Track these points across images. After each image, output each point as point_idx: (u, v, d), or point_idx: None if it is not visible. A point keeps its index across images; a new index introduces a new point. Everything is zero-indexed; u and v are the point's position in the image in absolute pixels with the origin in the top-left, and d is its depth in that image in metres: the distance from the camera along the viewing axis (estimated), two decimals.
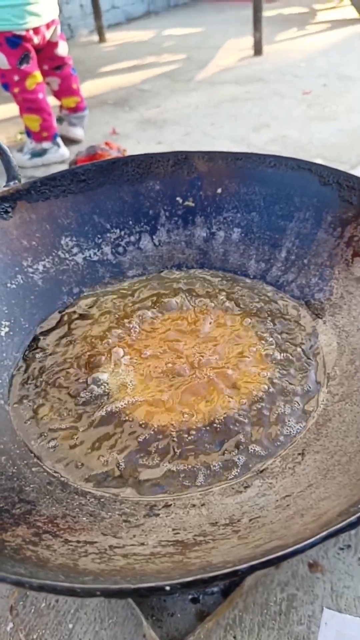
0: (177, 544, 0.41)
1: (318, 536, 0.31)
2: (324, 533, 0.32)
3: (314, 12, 3.85)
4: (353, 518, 0.32)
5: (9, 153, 0.76)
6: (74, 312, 0.76)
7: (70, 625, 0.62)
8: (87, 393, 0.64)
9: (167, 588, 0.30)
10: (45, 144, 1.81)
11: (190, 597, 0.63)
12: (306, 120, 2.01)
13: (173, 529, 0.45)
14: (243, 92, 2.37)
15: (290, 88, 2.37)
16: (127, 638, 0.60)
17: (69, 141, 1.97)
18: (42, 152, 1.81)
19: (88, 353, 0.69)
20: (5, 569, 0.32)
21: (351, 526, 0.32)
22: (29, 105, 1.69)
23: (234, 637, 0.60)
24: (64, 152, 1.85)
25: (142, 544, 0.42)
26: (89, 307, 0.77)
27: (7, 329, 0.69)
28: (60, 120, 1.97)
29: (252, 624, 0.61)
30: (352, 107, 2.09)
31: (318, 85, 2.37)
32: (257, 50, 2.88)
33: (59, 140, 1.83)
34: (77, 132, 1.99)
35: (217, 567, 0.32)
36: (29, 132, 1.79)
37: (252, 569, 0.31)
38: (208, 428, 0.59)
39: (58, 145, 1.83)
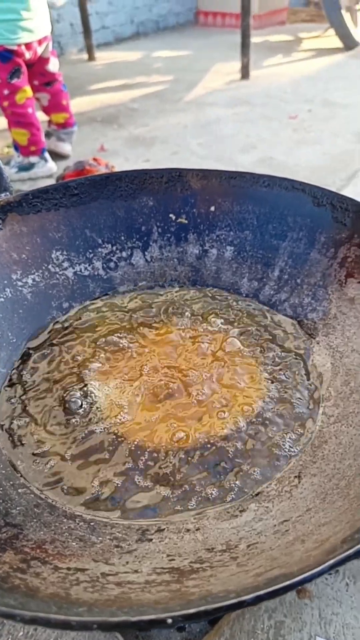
0: (173, 571, 0.40)
1: (325, 565, 0.30)
2: (331, 561, 0.30)
3: (300, 40, 3.96)
4: None
5: (1, 165, 0.75)
6: (64, 327, 0.74)
7: None
8: (76, 412, 0.62)
9: (169, 621, 0.28)
10: (33, 158, 1.80)
11: (176, 625, 0.61)
12: (292, 144, 2.05)
13: (167, 555, 0.43)
14: (231, 114, 2.41)
15: (276, 112, 2.41)
16: None
17: (57, 156, 1.97)
18: (29, 166, 1.80)
19: (77, 370, 0.68)
20: None
21: (358, 554, 0.31)
22: (18, 119, 1.68)
23: None
24: (52, 167, 1.84)
25: (136, 571, 0.40)
26: (79, 323, 0.75)
27: None
28: (48, 135, 1.97)
29: None
30: (337, 132, 2.14)
31: (304, 110, 2.42)
32: (245, 74, 2.94)
33: (46, 155, 1.83)
34: (65, 148, 2.00)
35: (220, 598, 0.30)
36: (16, 146, 1.79)
37: (259, 599, 0.29)
38: (201, 450, 0.58)
39: (46, 160, 1.83)
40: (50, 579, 0.36)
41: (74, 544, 0.44)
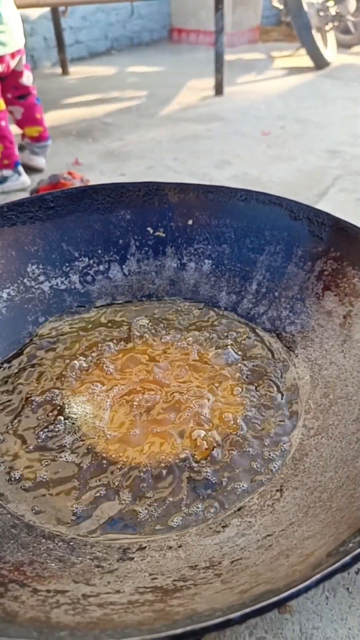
0: (156, 590, 0.39)
1: (312, 579, 0.30)
2: (318, 576, 0.30)
3: (272, 58, 4.04)
4: (347, 558, 0.31)
5: None
6: (40, 342, 0.73)
7: None
8: (53, 428, 0.61)
9: None
10: (6, 172, 1.78)
11: None
12: (266, 160, 2.08)
13: (150, 574, 0.42)
14: (205, 130, 2.43)
15: (250, 128, 2.45)
16: None
17: (31, 170, 1.96)
18: (2, 180, 1.78)
19: (52, 386, 0.66)
20: None
21: (345, 567, 0.31)
22: None
23: None
24: (25, 180, 1.83)
25: (118, 591, 0.39)
26: (55, 338, 0.74)
27: None
28: (22, 148, 1.95)
29: None
30: (309, 148, 2.18)
31: (277, 126, 2.46)
32: (218, 90, 2.97)
33: (20, 168, 1.81)
34: (39, 161, 1.98)
35: (206, 616, 0.30)
36: None
37: (246, 617, 0.29)
38: (181, 466, 0.57)
39: (19, 174, 1.81)
40: (29, 602, 0.35)
41: (53, 565, 0.43)
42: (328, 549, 0.36)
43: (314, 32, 3.36)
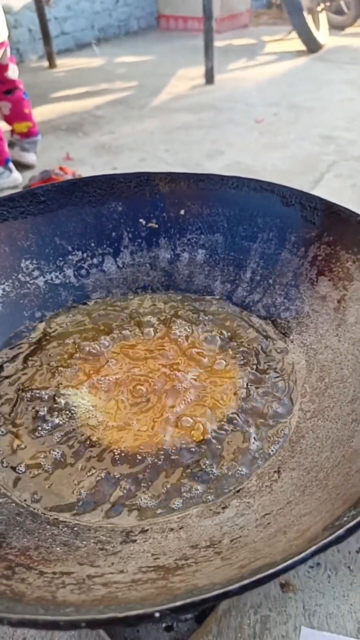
0: (159, 569, 0.40)
1: (307, 551, 0.31)
2: (313, 548, 0.31)
3: (263, 43, 4.00)
4: (341, 531, 0.32)
5: None
6: (37, 336, 0.74)
7: None
8: (52, 420, 0.62)
9: (157, 615, 0.29)
10: None
11: (164, 625, 0.62)
12: (259, 148, 2.07)
13: (152, 554, 0.44)
14: (196, 120, 2.42)
15: (242, 116, 2.44)
16: None
17: (21, 166, 1.95)
18: None
19: (52, 378, 0.67)
20: None
21: (339, 539, 0.32)
22: None
23: None
24: (17, 177, 1.82)
25: (122, 571, 0.40)
26: (53, 331, 0.75)
27: None
28: (11, 145, 1.94)
29: None
30: (302, 135, 2.17)
31: (269, 113, 2.45)
32: (209, 78, 2.95)
33: (11, 165, 1.81)
34: (30, 158, 1.98)
35: (206, 590, 0.31)
36: None
37: (244, 589, 0.30)
38: (180, 451, 0.58)
39: (10, 171, 1.80)
40: (35, 583, 0.36)
41: (58, 549, 0.44)
42: (324, 524, 0.38)
43: (305, 13, 3.30)
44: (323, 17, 3.68)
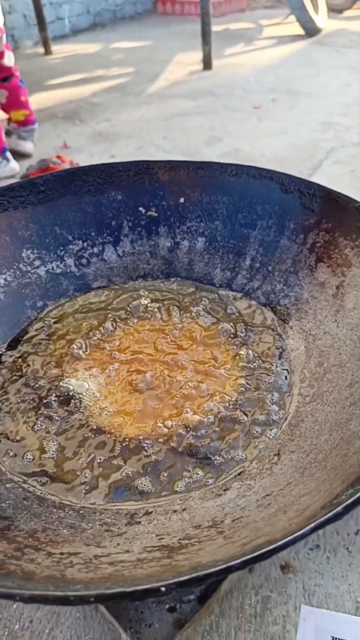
0: (163, 549, 0.42)
1: (307, 528, 0.32)
2: (312, 524, 0.33)
3: (261, 28, 3.96)
4: (339, 508, 0.33)
5: None
6: (39, 326, 0.75)
7: None
8: (56, 406, 0.63)
9: (163, 589, 0.30)
10: None
11: (167, 606, 0.64)
12: (257, 134, 2.07)
13: (157, 535, 0.45)
14: (194, 106, 2.41)
15: (240, 102, 2.42)
16: None
17: (19, 155, 1.94)
18: None
19: (55, 366, 0.69)
20: None
21: (337, 516, 0.34)
22: None
23: None
24: (14, 167, 1.81)
25: (128, 551, 0.42)
26: (55, 320, 0.76)
27: None
28: (8, 133, 1.93)
29: (229, 628, 0.62)
30: (301, 121, 2.16)
31: (268, 99, 2.44)
32: (207, 64, 2.93)
33: (8, 154, 1.80)
34: (27, 146, 1.97)
35: (209, 565, 0.32)
36: None
37: (245, 564, 0.31)
38: (183, 436, 0.59)
39: (7, 160, 1.79)
40: (44, 563, 0.38)
41: (65, 531, 0.46)
42: (323, 503, 0.39)
43: None
44: (322, 0, 3.63)
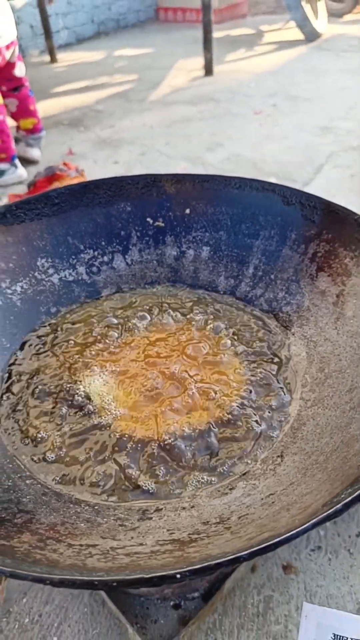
0: (174, 542, 0.45)
1: (309, 523, 0.35)
2: (314, 520, 0.36)
3: (261, 33, 3.99)
4: (339, 506, 0.37)
5: None
6: (54, 331, 0.78)
7: (55, 639, 0.64)
8: (70, 407, 0.66)
9: (178, 576, 0.33)
10: (3, 165, 1.81)
11: (172, 603, 0.66)
12: (258, 139, 2.10)
13: (168, 530, 0.48)
14: (196, 112, 2.44)
15: (241, 108, 2.46)
16: None
17: (26, 162, 1.98)
18: None
19: (70, 369, 0.72)
20: (23, 569, 0.35)
21: (337, 513, 0.37)
22: None
23: None
24: (22, 173, 1.86)
25: (141, 544, 0.45)
26: (68, 326, 0.79)
27: None
28: (17, 141, 1.97)
29: (232, 627, 0.64)
30: (301, 126, 2.19)
31: (268, 105, 2.47)
32: (208, 70, 2.96)
33: (17, 161, 1.84)
34: (34, 153, 2.01)
35: (219, 556, 0.35)
36: None
37: (252, 555, 0.34)
38: (190, 438, 0.62)
39: (16, 167, 1.84)
40: (66, 553, 0.41)
41: (82, 525, 0.49)
42: (324, 501, 0.42)
43: (303, 2, 3.28)
44: (321, 5, 3.64)
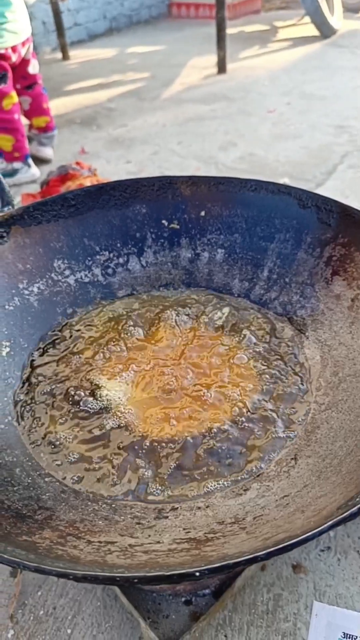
0: (191, 541, 0.46)
1: (325, 525, 0.36)
2: (330, 522, 0.37)
3: (275, 29, 3.95)
4: (355, 509, 0.37)
5: (2, 180, 0.79)
6: (70, 331, 0.79)
7: (69, 631, 0.65)
8: (86, 408, 0.68)
9: (197, 574, 0.34)
10: (16, 164, 1.82)
11: (183, 599, 0.68)
12: (272, 139, 2.09)
13: (184, 529, 0.49)
14: (209, 111, 2.44)
15: (255, 106, 2.45)
16: None
17: (39, 161, 1.99)
18: (12, 172, 1.82)
19: (86, 370, 0.73)
20: (47, 564, 0.36)
21: (353, 516, 0.38)
22: (4, 125, 1.71)
23: (225, 636, 0.64)
24: (35, 172, 1.87)
25: (158, 542, 0.46)
26: (84, 326, 0.80)
27: (7, 349, 0.72)
28: (30, 140, 1.98)
29: (242, 623, 0.65)
30: (315, 125, 2.18)
31: (282, 103, 2.45)
32: (221, 68, 2.94)
33: (30, 160, 1.85)
34: (47, 152, 2.02)
35: (237, 555, 0.36)
36: (0, 152, 1.81)
37: (270, 555, 0.35)
38: (204, 440, 0.63)
39: (29, 166, 1.85)
40: (86, 550, 0.42)
41: (100, 522, 0.50)
42: (338, 504, 0.43)
43: None
44: (337, 0, 3.59)
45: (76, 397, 0.69)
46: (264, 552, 0.35)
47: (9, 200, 0.79)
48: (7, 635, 0.65)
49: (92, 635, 0.65)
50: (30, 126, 1.98)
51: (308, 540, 0.36)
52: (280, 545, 0.35)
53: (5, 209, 0.79)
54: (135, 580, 0.34)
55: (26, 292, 0.77)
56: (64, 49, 3.49)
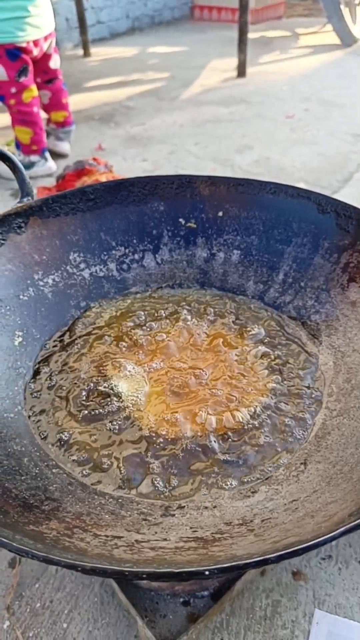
0: (198, 540, 0.45)
1: (337, 531, 0.36)
2: (343, 528, 0.36)
3: (297, 36, 3.96)
4: None
5: (23, 170, 0.79)
6: (83, 324, 0.79)
7: (65, 625, 0.65)
8: (97, 402, 0.67)
9: (207, 573, 0.34)
10: (34, 157, 1.83)
11: (181, 600, 0.67)
12: (289, 144, 2.09)
13: (191, 527, 0.49)
14: (227, 113, 2.44)
15: (273, 111, 2.45)
16: (120, 638, 0.63)
17: (56, 155, 2.00)
18: (29, 165, 1.83)
19: (97, 364, 0.73)
20: (55, 554, 0.36)
21: None
22: (24, 117, 1.72)
23: None
24: (52, 166, 1.87)
25: (165, 539, 0.46)
26: (97, 320, 0.80)
27: (20, 339, 0.72)
28: (47, 134, 1.99)
29: (239, 628, 0.64)
30: (333, 132, 2.18)
31: (300, 109, 2.45)
32: (241, 71, 2.95)
33: (47, 154, 1.86)
34: (64, 147, 2.03)
35: (246, 557, 0.36)
36: (18, 144, 1.81)
37: (280, 558, 0.35)
38: (214, 440, 0.63)
39: (46, 159, 1.85)
40: (93, 543, 0.42)
41: (107, 516, 0.50)
42: (350, 511, 0.42)
43: (342, 6, 3.24)
44: None
45: (87, 390, 0.69)
46: (274, 554, 0.35)
47: (28, 192, 0.79)
48: (3, 626, 0.65)
49: (88, 631, 0.64)
50: (49, 120, 1.99)
51: (320, 545, 0.35)
52: (292, 549, 0.35)
53: (25, 199, 0.79)
54: (144, 576, 0.33)
55: (41, 283, 0.77)
56: (85, 46, 3.51)
